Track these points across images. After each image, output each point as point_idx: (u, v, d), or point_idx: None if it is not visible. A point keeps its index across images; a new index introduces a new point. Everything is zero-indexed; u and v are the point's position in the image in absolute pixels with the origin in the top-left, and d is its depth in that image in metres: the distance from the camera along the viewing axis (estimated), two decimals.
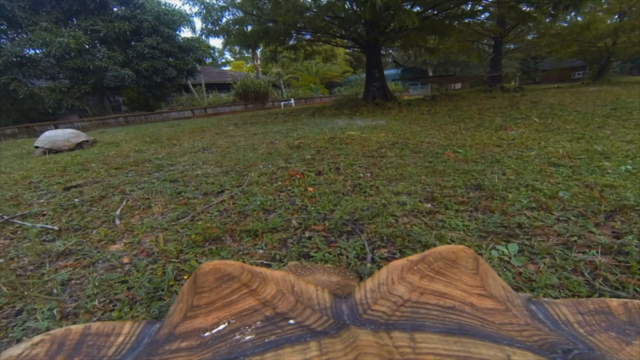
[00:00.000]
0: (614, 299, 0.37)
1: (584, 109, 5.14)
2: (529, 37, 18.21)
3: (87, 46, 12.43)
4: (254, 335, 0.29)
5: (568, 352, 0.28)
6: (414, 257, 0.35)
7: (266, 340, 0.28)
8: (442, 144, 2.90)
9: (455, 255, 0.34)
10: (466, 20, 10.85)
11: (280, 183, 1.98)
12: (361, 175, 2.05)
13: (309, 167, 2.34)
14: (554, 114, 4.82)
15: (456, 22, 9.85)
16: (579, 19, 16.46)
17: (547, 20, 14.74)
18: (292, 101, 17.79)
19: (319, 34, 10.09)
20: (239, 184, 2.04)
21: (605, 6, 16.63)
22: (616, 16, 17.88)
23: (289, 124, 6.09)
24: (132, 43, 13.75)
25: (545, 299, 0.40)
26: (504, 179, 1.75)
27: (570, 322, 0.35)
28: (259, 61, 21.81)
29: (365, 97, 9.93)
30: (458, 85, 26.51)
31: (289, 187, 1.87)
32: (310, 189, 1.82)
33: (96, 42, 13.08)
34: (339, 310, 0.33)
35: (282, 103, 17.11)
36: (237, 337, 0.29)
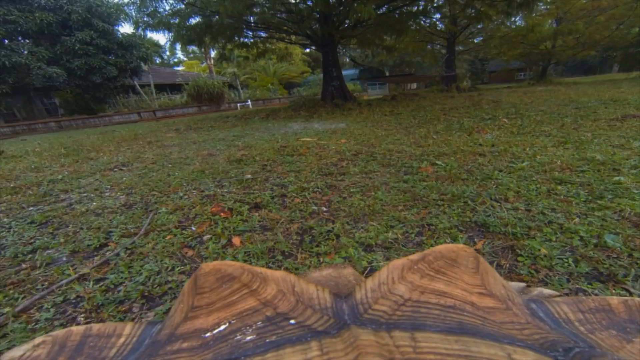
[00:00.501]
0: (615, 297, 0.37)
1: (547, 109, 5.06)
2: (477, 40, 19.36)
3: (4, 40, 10.79)
4: (254, 336, 0.29)
5: (569, 351, 0.28)
6: (415, 256, 0.35)
7: (267, 340, 0.28)
8: (415, 153, 2.51)
9: (455, 255, 0.35)
10: (421, 21, 10.79)
11: (194, 229, 1.39)
12: (315, 208, 1.52)
13: (246, 194, 1.81)
14: (521, 114, 4.69)
15: (411, 21, 9.59)
16: (525, 22, 17.27)
17: (498, 22, 15.68)
18: (249, 102, 16.99)
19: (272, 30, 9.52)
20: (136, 230, 1.44)
21: (544, 11, 17.64)
22: (554, 21, 19.31)
23: (238, 129, 5.54)
24: (64, 38, 11.90)
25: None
26: (511, 210, 1.35)
27: (571, 321, 0.35)
28: (212, 60, 20.65)
29: (323, 97, 9.42)
30: (414, 85, 27.12)
31: (205, 237, 1.32)
32: (236, 240, 1.26)
33: (16, 35, 11.27)
34: (340, 309, 0.33)
35: (238, 104, 16.33)
36: (238, 337, 0.29)
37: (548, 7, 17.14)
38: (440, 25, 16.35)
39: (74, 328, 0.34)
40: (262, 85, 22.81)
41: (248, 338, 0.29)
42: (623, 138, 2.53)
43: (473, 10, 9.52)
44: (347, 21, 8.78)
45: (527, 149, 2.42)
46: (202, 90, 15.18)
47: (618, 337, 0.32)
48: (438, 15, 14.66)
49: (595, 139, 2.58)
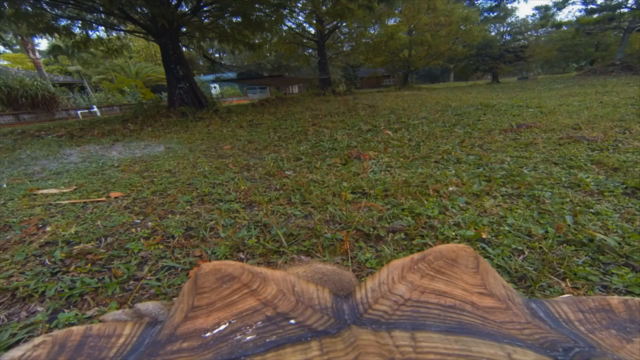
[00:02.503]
0: (615, 297, 0.37)
1: (428, 115, 4.67)
2: (346, 49, 21.01)
3: None
4: (255, 335, 0.29)
5: (569, 350, 0.28)
6: (415, 256, 0.35)
7: (267, 340, 0.29)
8: (242, 222, 1.30)
9: (455, 254, 0.35)
10: (283, 15, 9.64)
11: None
12: None
13: None
14: (404, 122, 4.11)
15: (268, 13, 8.55)
16: (383, 30, 19.00)
17: (360, 27, 16.94)
18: (96, 109, 13.30)
19: (80, 10, 7.08)
20: None
21: (398, 22, 20.23)
22: (407, 33, 22.04)
23: None
24: None
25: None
26: None
27: (571, 320, 0.35)
28: (36, 54, 15.59)
29: (171, 103, 7.37)
30: (295, 89, 27.33)
31: None
32: None
33: None
34: (340, 309, 0.33)
35: (78, 112, 12.55)
36: (238, 337, 0.29)
37: (400, 19, 19.79)
38: (309, 28, 17.07)
39: (74, 328, 0.34)
40: (117, 88, 18.51)
41: (248, 338, 0.29)
42: (557, 165, 1.83)
43: (337, 7, 9.03)
44: (183, 3, 7.16)
45: (449, 206, 1.32)
46: (17, 93, 10.96)
47: (618, 336, 0.32)
48: (301, 18, 14.83)
49: (525, 169, 1.80)
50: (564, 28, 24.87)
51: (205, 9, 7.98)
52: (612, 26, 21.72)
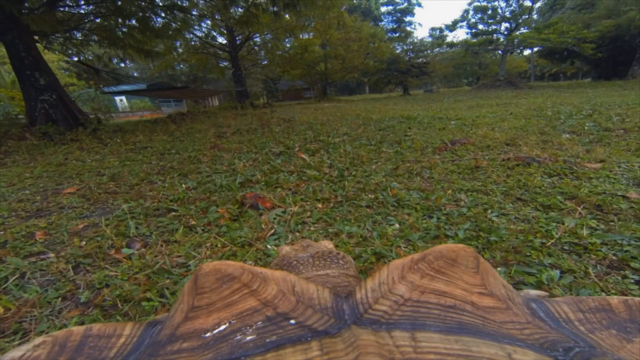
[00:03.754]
0: (615, 297, 0.37)
1: (350, 130, 4.20)
2: (264, 63, 21.20)
3: None
4: (255, 336, 0.29)
5: (569, 350, 0.28)
6: (415, 256, 0.35)
7: (267, 340, 0.29)
8: None
9: (455, 254, 0.35)
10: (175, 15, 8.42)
11: None
12: None
13: None
14: (322, 140, 3.54)
15: (175, 22, 7.92)
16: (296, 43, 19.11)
17: (269, 36, 16.43)
18: None
19: None
20: None
21: (312, 37, 20.59)
22: (322, 47, 22.60)
23: None
24: None
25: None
26: None
27: (571, 320, 0.35)
28: None
29: (31, 121, 5.78)
30: (216, 101, 26.87)
31: None
32: None
33: None
34: (340, 309, 0.33)
35: None
36: (238, 337, 0.29)
37: (313, 33, 20.02)
38: (219, 38, 16.52)
39: (74, 328, 0.34)
40: None
41: (248, 338, 0.29)
42: (527, 204, 1.47)
43: (243, 15, 8.43)
44: None
45: None
46: None
47: (618, 336, 0.32)
48: (208, 22, 13.88)
49: (489, 212, 1.39)
50: (456, 48, 28.34)
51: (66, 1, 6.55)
52: (492, 47, 26.61)
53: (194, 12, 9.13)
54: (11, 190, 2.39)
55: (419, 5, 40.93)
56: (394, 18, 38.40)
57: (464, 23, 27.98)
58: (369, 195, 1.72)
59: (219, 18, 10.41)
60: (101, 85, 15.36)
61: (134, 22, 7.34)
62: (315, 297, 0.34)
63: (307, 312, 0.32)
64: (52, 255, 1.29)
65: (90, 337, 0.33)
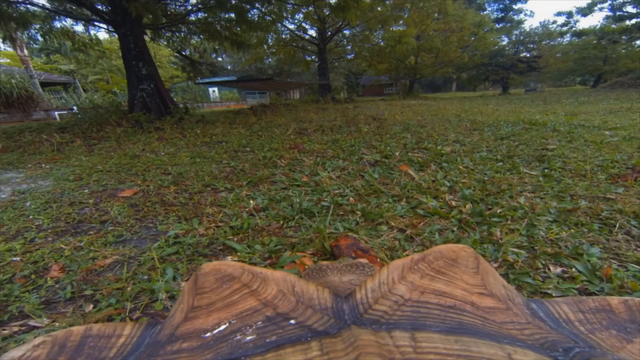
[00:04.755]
0: (615, 297, 0.37)
1: (459, 136, 3.30)
2: (349, 57, 20.34)
3: None
4: (255, 336, 0.29)
5: (569, 351, 0.28)
6: (415, 256, 0.35)
7: (267, 340, 0.29)
8: None
9: (455, 254, 0.35)
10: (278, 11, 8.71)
11: None
12: None
13: None
14: (427, 148, 2.78)
15: (271, 15, 7.95)
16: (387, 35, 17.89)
17: (365, 30, 15.94)
18: (76, 109, 11.34)
19: None
20: None
21: (406, 28, 18.58)
22: (415, 39, 20.45)
23: None
24: None
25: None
26: None
27: (571, 321, 0.35)
28: (24, 51, 14.52)
29: (130, 108, 6.26)
30: (297, 94, 26.57)
31: None
32: None
33: None
34: (340, 310, 0.33)
35: (55, 113, 11.40)
36: (238, 337, 0.29)
37: (407, 24, 18.26)
38: (310, 30, 16.44)
39: (74, 328, 0.34)
40: (109, 89, 18.24)
41: (248, 338, 0.29)
42: None
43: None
44: None
45: None
46: None
47: (618, 337, 0.32)
48: (300, 16, 14.04)
49: None
50: (585, 37, 23.51)
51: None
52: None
53: (291, 2, 9.11)
54: (74, 186, 2.26)
55: None
56: (500, 6, 31.13)
57: (605, 5, 22.41)
58: (552, 269, 0.97)
59: (313, 9, 10.47)
60: (198, 77, 15.81)
61: (232, 14, 7.57)
62: (315, 297, 0.34)
63: (307, 312, 0.32)
64: (44, 322, 0.89)
65: (90, 337, 0.33)
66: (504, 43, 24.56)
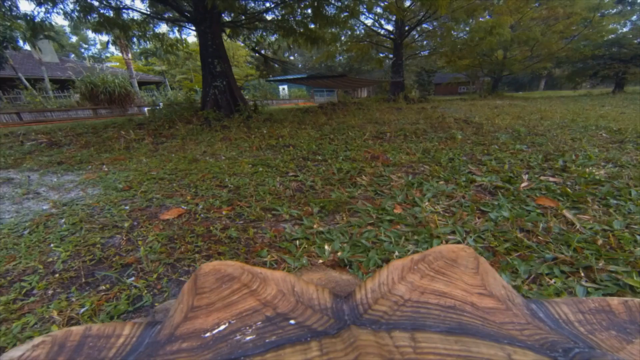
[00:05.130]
0: (615, 298, 0.37)
1: (602, 152, 2.48)
2: (424, 53, 18.36)
3: None
4: (254, 336, 0.29)
5: (569, 351, 0.28)
6: (415, 256, 0.35)
7: (267, 340, 0.28)
8: None
9: (455, 255, 0.35)
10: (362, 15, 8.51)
11: None
12: None
13: None
14: (571, 171, 1.99)
15: (346, 11, 7.56)
16: (488, 17, 15.24)
17: (449, 22, 14.09)
18: (162, 105, 12.97)
19: None
20: None
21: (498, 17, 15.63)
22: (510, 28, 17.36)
23: None
24: None
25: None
26: None
27: (571, 321, 0.35)
28: (129, 54, 16.93)
29: (203, 105, 6.49)
30: (364, 93, 25.41)
31: None
32: None
33: None
34: (340, 310, 0.33)
35: (144, 109, 12.74)
36: (238, 337, 0.29)
37: (499, 13, 15.31)
38: (386, 25, 15.20)
39: (74, 328, 0.34)
40: (190, 87, 19.43)
41: (248, 338, 0.29)
42: None
43: None
44: None
45: None
46: (98, 90, 11.81)
47: (618, 337, 0.32)
48: (379, 10, 13.20)
49: None
50: None
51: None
52: None
53: None
54: (118, 199, 1.98)
55: None
56: None
57: None
58: None
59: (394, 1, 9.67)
60: (270, 75, 15.59)
61: (308, 11, 7.40)
62: (315, 298, 0.34)
63: (306, 312, 0.32)
64: None
65: (90, 337, 0.33)
66: (626, 30, 18.85)
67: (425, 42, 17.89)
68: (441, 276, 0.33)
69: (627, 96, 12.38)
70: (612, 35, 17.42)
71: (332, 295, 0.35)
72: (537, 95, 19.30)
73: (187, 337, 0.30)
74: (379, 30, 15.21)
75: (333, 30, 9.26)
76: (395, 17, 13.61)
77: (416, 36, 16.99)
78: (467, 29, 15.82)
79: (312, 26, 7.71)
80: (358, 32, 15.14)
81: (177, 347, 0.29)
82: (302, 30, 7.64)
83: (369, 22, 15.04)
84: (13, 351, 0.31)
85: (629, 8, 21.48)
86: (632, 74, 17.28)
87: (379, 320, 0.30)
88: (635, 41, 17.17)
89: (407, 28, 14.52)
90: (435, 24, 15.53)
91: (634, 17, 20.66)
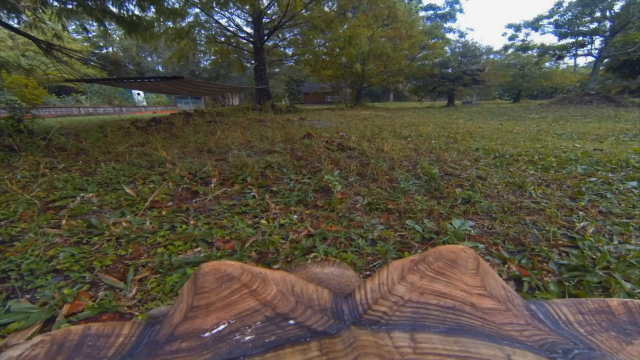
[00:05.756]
0: (614, 299, 0.37)
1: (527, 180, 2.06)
2: (290, 63, 19.07)
3: None
4: (254, 336, 0.29)
5: (568, 352, 0.28)
6: (415, 256, 0.35)
7: (266, 340, 0.28)
8: None
9: (455, 255, 0.35)
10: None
11: None
12: None
13: None
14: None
15: None
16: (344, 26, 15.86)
17: (309, 29, 14.24)
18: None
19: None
20: None
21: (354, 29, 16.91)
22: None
23: None
24: None
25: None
26: None
27: (571, 322, 0.35)
28: None
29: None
30: (236, 101, 24.96)
31: None
32: None
33: None
34: (340, 310, 0.33)
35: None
36: (237, 337, 0.29)
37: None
38: (245, 27, 14.78)
39: (73, 327, 0.34)
40: None
41: (247, 338, 0.29)
42: None
43: None
44: None
45: None
46: None
47: (618, 338, 0.32)
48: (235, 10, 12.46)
49: None
50: (531, 52, 24.36)
51: None
52: (582, 53, 22.18)
53: None
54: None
55: (461, 11, 38.04)
56: (429, 24, 32.61)
57: (551, 20, 22.24)
58: None
59: None
60: (114, 76, 14.50)
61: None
62: (314, 298, 0.34)
63: (306, 312, 0.32)
64: None
65: (89, 337, 0.33)
66: (449, 54, 24.92)
67: (288, 50, 18.05)
68: (441, 277, 0.33)
69: (459, 108, 15.41)
70: (439, 59, 22.29)
71: (332, 295, 0.35)
72: (392, 106, 22.40)
73: (187, 336, 0.30)
74: (237, 32, 14.51)
75: (163, 20, 7.97)
76: (252, 18, 13.18)
77: (278, 42, 16.92)
78: (329, 35, 16.01)
79: (133, 4, 6.02)
80: (213, 32, 14.19)
81: (176, 347, 0.29)
82: (114, 11, 5.93)
83: (223, 21, 14.15)
84: (12, 350, 0.31)
85: (457, 34, 27.58)
86: (458, 91, 22.83)
87: (379, 321, 0.30)
88: (456, 65, 23.47)
89: (266, 32, 13.94)
90: (296, 31, 15.55)
91: (459, 44, 26.69)
